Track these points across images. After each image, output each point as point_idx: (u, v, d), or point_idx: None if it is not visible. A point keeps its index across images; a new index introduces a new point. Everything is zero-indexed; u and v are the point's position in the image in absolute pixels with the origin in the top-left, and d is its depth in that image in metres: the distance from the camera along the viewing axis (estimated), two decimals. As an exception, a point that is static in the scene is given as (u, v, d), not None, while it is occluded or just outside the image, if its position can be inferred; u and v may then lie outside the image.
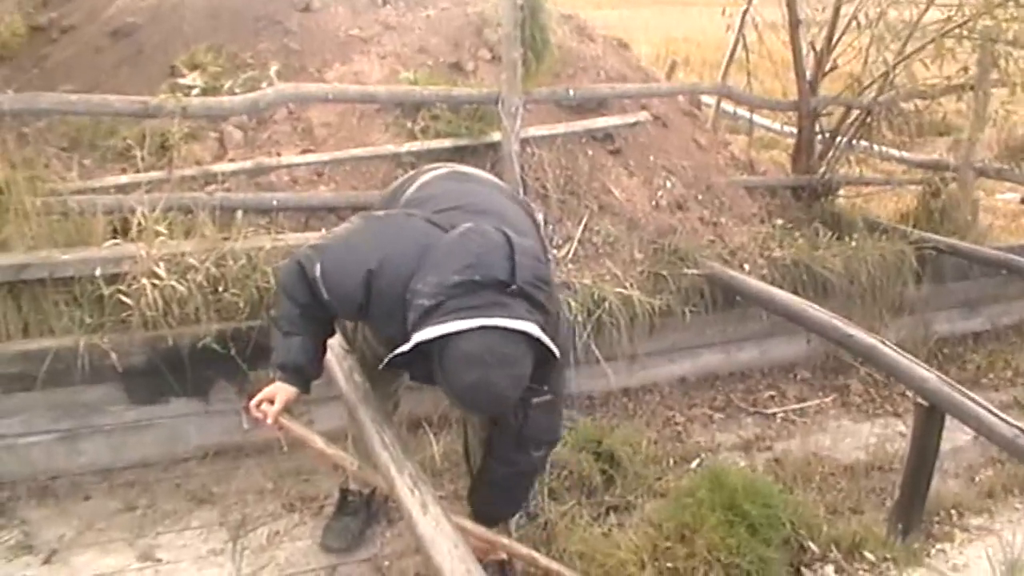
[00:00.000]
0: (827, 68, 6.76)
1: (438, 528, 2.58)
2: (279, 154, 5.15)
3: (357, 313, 2.94)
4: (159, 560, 3.72)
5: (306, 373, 3.14)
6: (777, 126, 8.84)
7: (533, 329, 2.55)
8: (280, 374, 3.11)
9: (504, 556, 3.51)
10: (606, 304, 4.83)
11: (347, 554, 3.80)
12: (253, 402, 3.11)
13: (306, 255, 2.98)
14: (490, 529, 3.28)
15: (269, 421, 3.09)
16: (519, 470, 3.29)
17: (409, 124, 5.41)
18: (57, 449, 4.18)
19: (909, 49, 6.52)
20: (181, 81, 5.43)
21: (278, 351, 3.13)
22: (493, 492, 3.40)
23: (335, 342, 3.52)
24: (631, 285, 5.03)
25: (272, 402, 3.08)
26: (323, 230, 4.61)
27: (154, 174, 4.83)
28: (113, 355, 4.09)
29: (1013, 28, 6.47)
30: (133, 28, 6.20)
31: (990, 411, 3.60)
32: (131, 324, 4.16)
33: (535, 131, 5.45)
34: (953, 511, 4.37)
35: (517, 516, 3.72)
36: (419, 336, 2.55)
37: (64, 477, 4.19)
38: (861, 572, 3.80)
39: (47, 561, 3.67)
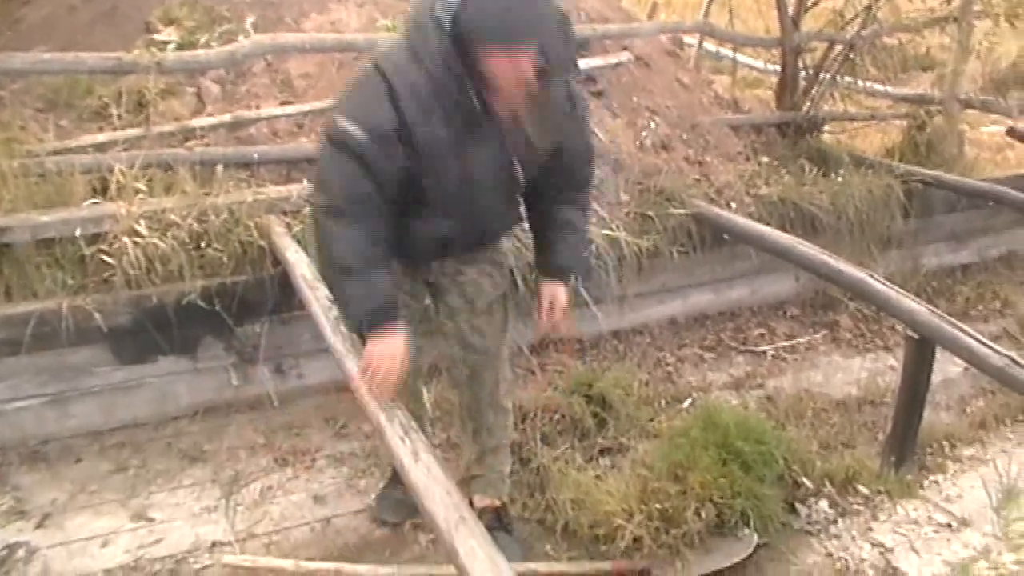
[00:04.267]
0: (809, 3, 6.72)
1: (430, 475, 2.55)
2: (258, 107, 5.10)
3: (402, 142, 2.70)
4: (152, 520, 3.71)
5: (395, 305, 2.86)
6: (760, 64, 8.78)
7: None
8: (374, 326, 2.81)
9: (499, 503, 3.52)
10: (593, 247, 4.79)
11: (340, 505, 3.80)
12: (364, 386, 2.83)
13: (330, 132, 2.79)
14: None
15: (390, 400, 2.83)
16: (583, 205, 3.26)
17: (388, 71, 5.34)
18: (46, 413, 4.15)
19: (892, -18, 6.49)
20: (157, 37, 5.36)
21: (357, 300, 2.82)
22: (577, 236, 3.23)
23: (321, 295, 3.49)
24: (618, 227, 5.01)
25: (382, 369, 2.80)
26: (305, 181, 4.56)
27: (132, 131, 4.77)
28: (98, 316, 4.05)
29: (996, -41, 6.45)
30: (107, -15, 6.12)
31: (981, 342, 3.60)
32: (114, 284, 4.12)
33: (516, 75, 5.37)
34: (945, 442, 4.39)
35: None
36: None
37: (55, 441, 4.17)
38: (855, 505, 3.82)
39: (40, 525, 3.66)
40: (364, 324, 2.82)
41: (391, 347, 2.79)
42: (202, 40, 5.29)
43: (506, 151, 2.84)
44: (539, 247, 3.25)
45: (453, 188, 2.82)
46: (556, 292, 3.19)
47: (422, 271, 3.16)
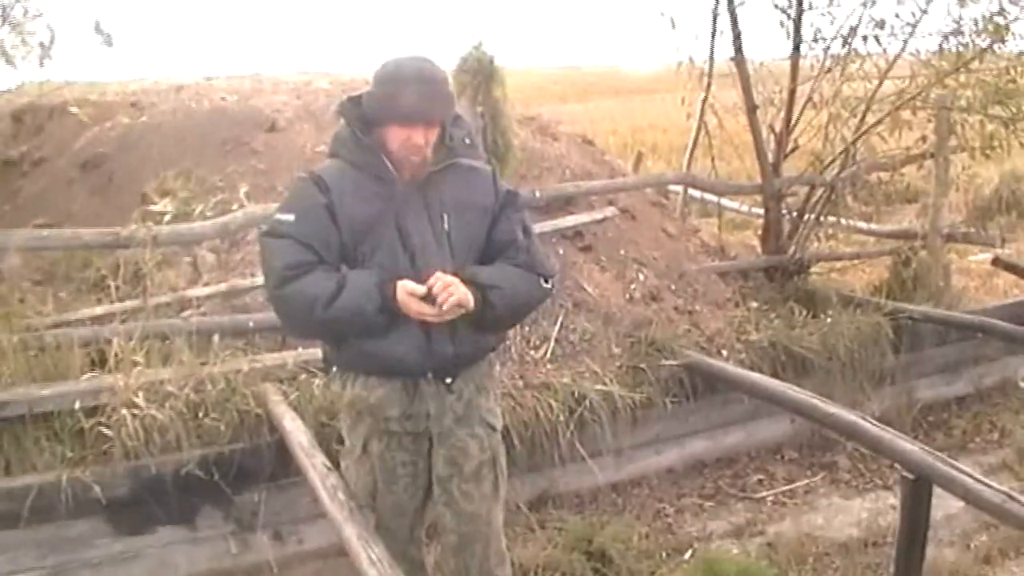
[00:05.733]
0: (788, 149, 6.88)
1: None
2: (253, 275, 5.16)
3: (332, 218, 3.01)
4: None
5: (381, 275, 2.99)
6: (745, 208, 8.95)
7: None
8: (387, 299, 2.92)
9: None
10: (587, 401, 4.84)
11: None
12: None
13: (265, 228, 3.14)
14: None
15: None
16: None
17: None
18: (44, 587, 4.12)
19: (867, 123, 6.66)
20: (152, 208, 5.48)
21: (358, 302, 2.92)
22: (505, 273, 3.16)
23: (318, 461, 3.53)
24: (611, 380, 5.04)
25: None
26: (299, 349, 4.63)
27: (129, 303, 4.86)
28: (96, 488, 4.04)
29: (966, 95, 6.63)
30: (103, 158, 6.29)
31: (975, 479, 3.60)
32: (113, 455, 4.13)
33: (505, 233, 5.49)
34: (951, 580, 4.35)
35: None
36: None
37: (54, 614, 4.12)
38: (862, 652, 3.77)
39: None
40: (382, 305, 2.93)
41: (405, 298, 2.91)
42: (197, 210, 5.41)
43: (433, 210, 3.06)
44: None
45: (396, 258, 3.02)
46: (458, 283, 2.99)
47: (424, 415, 3.16)
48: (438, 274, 2.92)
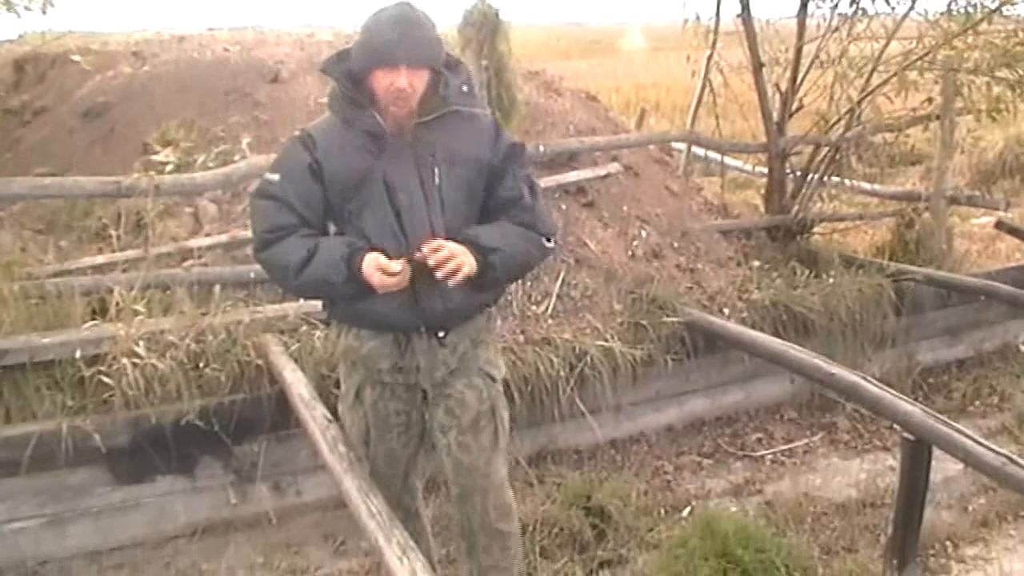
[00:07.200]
0: (793, 108, 6.84)
1: (430, 596, 2.56)
2: (254, 226, 5.17)
3: (317, 178, 3.00)
4: (150, 644, 3.68)
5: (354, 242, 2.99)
6: (748, 167, 8.91)
7: None
8: (353, 269, 2.90)
9: None
10: (588, 357, 4.84)
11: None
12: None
13: (254, 188, 3.23)
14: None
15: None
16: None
17: (381, 189, 5.43)
18: (44, 534, 4.13)
19: (873, 84, 6.61)
20: (154, 158, 5.45)
21: (327, 271, 2.93)
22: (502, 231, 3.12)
23: (318, 413, 3.53)
24: (612, 337, 5.03)
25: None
26: (300, 300, 4.61)
27: (130, 253, 4.85)
28: (96, 436, 4.06)
29: (973, 56, 6.59)
30: (104, 107, 6.25)
31: (976, 441, 3.60)
32: (113, 404, 4.13)
33: (508, 188, 5.47)
34: (948, 542, 4.36)
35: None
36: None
37: (52, 562, 4.13)
38: (858, 611, 3.78)
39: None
40: (348, 277, 2.92)
41: (369, 271, 2.88)
42: (199, 161, 5.39)
43: (423, 164, 3.02)
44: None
45: (383, 215, 2.99)
46: (456, 246, 2.95)
47: (414, 368, 3.15)
48: (432, 243, 2.90)
